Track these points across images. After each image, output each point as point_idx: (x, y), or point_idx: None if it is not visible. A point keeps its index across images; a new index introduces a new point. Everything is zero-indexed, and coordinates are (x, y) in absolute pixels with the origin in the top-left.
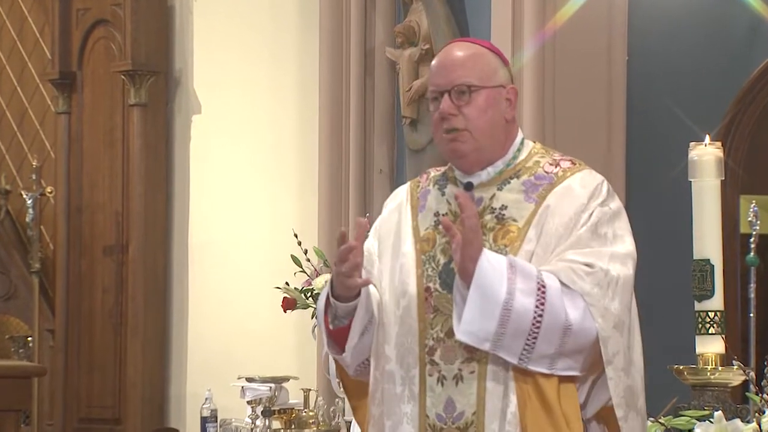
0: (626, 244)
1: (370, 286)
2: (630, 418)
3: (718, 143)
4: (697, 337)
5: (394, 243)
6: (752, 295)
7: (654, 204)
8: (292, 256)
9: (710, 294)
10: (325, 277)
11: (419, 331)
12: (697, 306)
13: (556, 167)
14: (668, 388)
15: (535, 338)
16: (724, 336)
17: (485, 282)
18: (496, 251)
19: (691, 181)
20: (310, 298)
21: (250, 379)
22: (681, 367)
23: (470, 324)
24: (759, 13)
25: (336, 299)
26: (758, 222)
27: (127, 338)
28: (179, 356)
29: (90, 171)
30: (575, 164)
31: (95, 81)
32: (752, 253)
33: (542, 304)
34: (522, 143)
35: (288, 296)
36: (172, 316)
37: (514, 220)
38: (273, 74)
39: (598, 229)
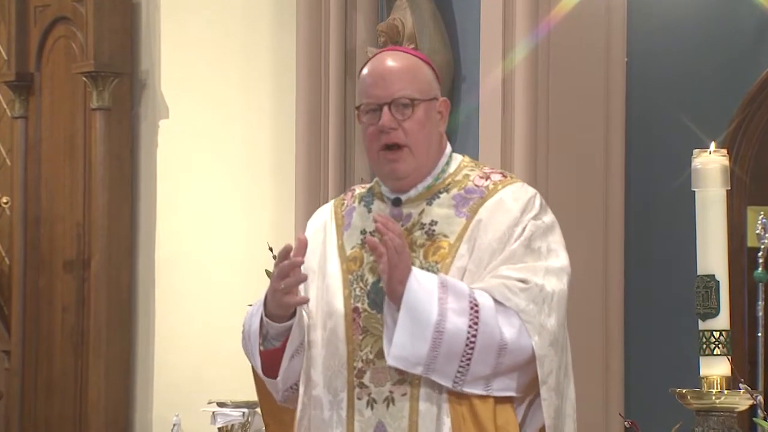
0: (561, 258)
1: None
2: None
3: (724, 150)
4: (701, 359)
5: (319, 263)
6: (760, 314)
7: (655, 215)
8: (267, 272)
9: (715, 312)
10: None
11: (347, 353)
12: (701, 325)
13: (486, 180)
14: (671, 413)
15: (468, 360)
16: (730, 357)
17: (415, 304)
18: (427, 268)
19: (694, 191)
20: None
21: (221, 404)
22: (684, 391)
23: (401, 348)
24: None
25: (269, 318)
26: (767, 235)
27: (88, 360)
28: (145, 379)
29: (49, 180)
30: (506, 177)
31: (55, 83)
32: (760, 269)
33: (475, 323)
34: (450, 156)
35: None
36: (137, 335)
37: (445, 236)
38: (246, 76)
39: (532, 244)
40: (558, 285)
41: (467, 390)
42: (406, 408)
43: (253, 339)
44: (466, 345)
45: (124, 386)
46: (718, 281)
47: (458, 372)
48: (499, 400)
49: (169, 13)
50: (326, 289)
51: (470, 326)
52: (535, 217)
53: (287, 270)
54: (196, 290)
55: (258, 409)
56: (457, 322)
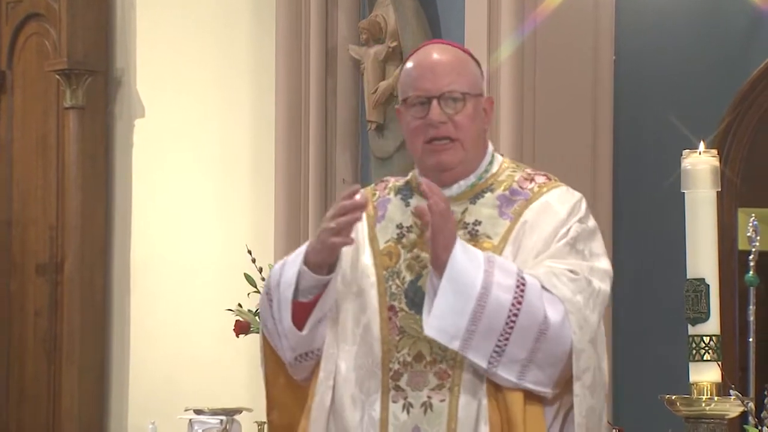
0: (603, 263)
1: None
2: None
3: (714, 151)
4: (690, 364)
5: (353, 254)
6: (751, 318)
7: (643, 217)
8: (246, 275)
9: (705, 317)
10: None
11: (383, 353)
12: (691, 330)
13: (531, 182)
14: (660, 420)
15: (507, 339)
16: (720, 363)
17: (459, 275)
18: None
19: (684, 193)
20: None
21: (198, 411)
22: (673, 397)
23: (440, 319)
24: (759, 7)
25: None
26: (758, 237)
27: (61, 366)
28: (120, 386)
29: (21, 181)
30: (550, 179)
31: (27, 81)
32: (751, 272)
33: (519, 302)
34: (493, 156)
35: (241, 319)
36: (111, 341)
37: (489, 237)
38: (224, 74)
39: (577, 245)
40: (602, 285)
41: (501, 373)
42: (445, 414)
43: (283, 288)
44: (506, 323)
45: (98, 393)
46: (708, 285)
47: (495, 350)
48: (535, 412)
49: (144, 10)
50: (360, 283)
51: (513, 304)
52: (580, 220)
53: (348, 209)
54: (172, 294)
55: (236, 417)
56: (501, 298)
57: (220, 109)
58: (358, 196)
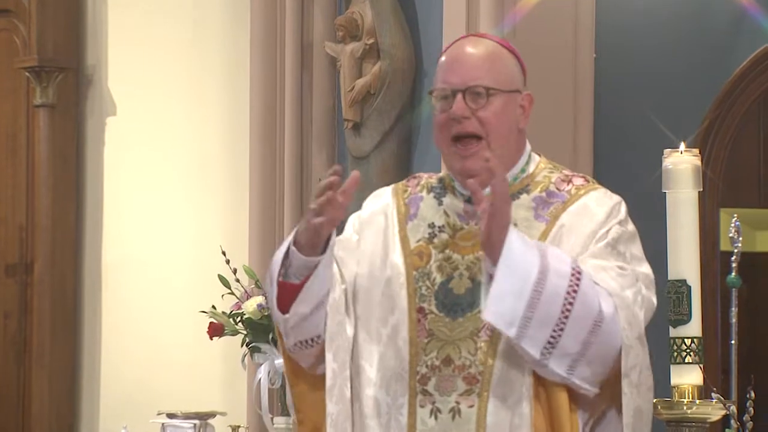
0: (645, 268)
1: (335, 269)
2: None
3: (696, 150)
4: (672, 367)
5: (381, 250)
6: (734, 320)
7: None
8: (220, 276)
9: (687, 319)
10: (258, 300)
11: (410, 356)
12: (672, 332)
13: (568, 184)
14: None
15: (561, 329)
16: (702, 366)
17: (515, 258)
18: None
19: (665, 193)
20: (240, 324)
21: (171, 415)
22: (655, 400)
23: (498, 302)
24: (741, 5)
25: (296, 248)
26: (740, 238)
27: (31, 369)
28: (91, 389)
29: None
30: (588, 182)
31: None
32: (734, 273)
33: (575, 291)
34: (530, 156)
35: (215, 321)
36: (83, 343)
37: None
38: (198, 71)
39: (618, 246)
40: (647, 293)
41: (552, 366)
42: (473, 421)
43: (273, 268)
44: (562, 312)
45: (69, 397)
46: (690, 286)
47: (549, 341)
48: (575, 419)
49: (116, 5)
50: (388, 281)
51: (569, 292)
52: (620, 223)
53: (325, 188)
54: (145, 295)
55: (210, 421)
56: (557, 284)
57: (193, 107)
58: (335, 178)
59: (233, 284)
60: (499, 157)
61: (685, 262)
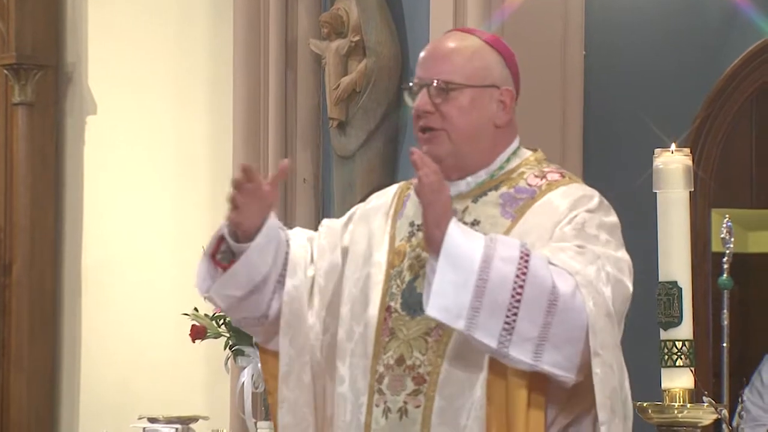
0: (621, 253)
1: (293, 246)
2: (614, 427)
3: (687, 150)
4: (662, 370)
5: (366, 248)
6: (725, 323)
7: None
8: None
9: (678, 321)
10: None
11: (372, 355)
12: (663, 335)
13: (541, 179)
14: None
15: (515, 314)
16: (693, 369)
17: (456, 250)
18: None
19: (656, 193)
20: (223, 326)
21: (152, 420)
22: (645, 404)
23: (441, 296)
24: (733, 1)
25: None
26: (732, 239)
27: (9, 373)
28: (71, 393)
29: None
30: (564, 176)
31: None
32: (725, 275)
33: (524, 273)
34: (515, 152)
35: (197, 324)
36: (62, 346)
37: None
38: (180, 69)
39: (585, 229)
40: (611, 269)
41: (513, 354)
42: (419, 421)
43: (207, 246)
44: (512, 296)
45: (47, 400)
46: (681, 288)
47: (504, 329)
48: (537, 417)
49: (97, 1)
50: (367, 278)
51: (518, 276)
52: (590, 210)
53: (234, 185)
54: (126, 297)
55: (192, 425)
56: (503, 270)
57: (175, 105)
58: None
59: None
60: (467, 154)
61: (676, 263)
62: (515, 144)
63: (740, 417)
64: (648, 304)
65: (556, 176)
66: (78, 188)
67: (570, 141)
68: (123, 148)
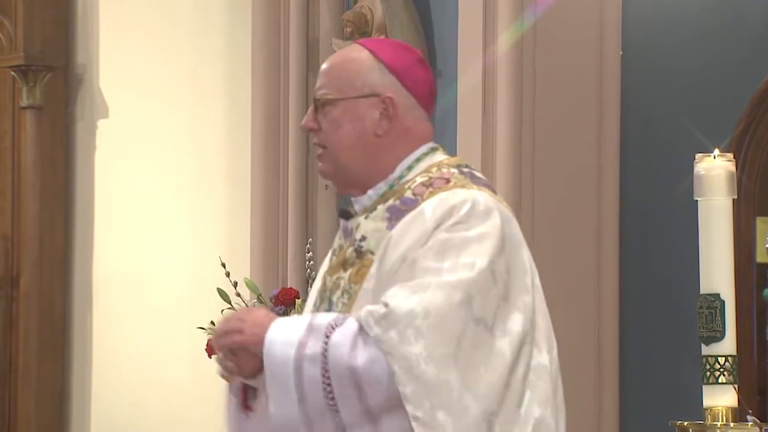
0: (461, 273)
1: None
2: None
3: (730, 155)
4: (704, 387)
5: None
6: None
7: (653, 227)
8: (219, 290)
9: (720, 336)
10: None
11: None
12: (705, 350)
13: (427, 188)
14: None
15: (337, 410)
16: (736, 386)
17: (273, 374)
18: (347, 290)
19: (697, 201)
20: None
21: None
22: (685, 423)
23: (278, 417)
24: None
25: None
26: None
27: (17, 390)
28: (81, 412)
29: None
30: (450, 182)
31: None
32: None
33: (326, 370)
34: (420, 159)
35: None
36: (72, 363)
37: (372, 253)
38: (196, 70)
39: (422, 262)
40: (439, 301)
41: None
42: None
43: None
44: (326, 396)
45: (57, 419)
46: (724, 301)
47: (337, 425)
48: None
49: (109, 1)
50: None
51: (323, 374)
52: (455, 223)
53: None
54: (138, 311)
55: None
56: (312, 373)
57: (191, 109)
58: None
59: (233, 298)
60: (350, 167)
61: (719, 274)
62: (421, 151)
63: None
64: (689, 318)
65: (442, 182)
66: (89, 196)
67: (606, 147)
68: (136, 154)
